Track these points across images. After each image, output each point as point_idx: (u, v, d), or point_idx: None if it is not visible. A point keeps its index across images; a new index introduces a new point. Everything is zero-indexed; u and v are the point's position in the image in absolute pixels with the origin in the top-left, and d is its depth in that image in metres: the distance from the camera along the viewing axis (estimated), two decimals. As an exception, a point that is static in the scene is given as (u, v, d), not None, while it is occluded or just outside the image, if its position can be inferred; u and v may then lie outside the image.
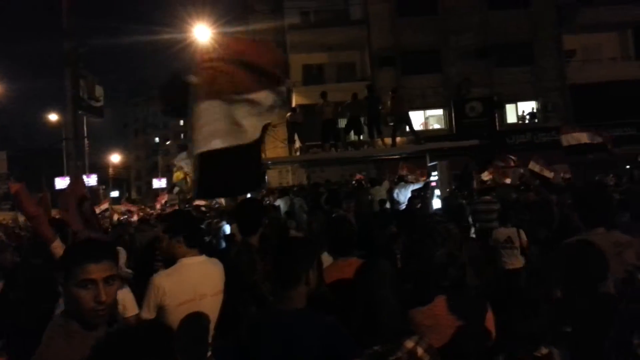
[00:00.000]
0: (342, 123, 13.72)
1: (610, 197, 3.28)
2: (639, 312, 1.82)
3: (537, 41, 21.36)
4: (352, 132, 13.49)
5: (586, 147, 10.86)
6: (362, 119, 13.22)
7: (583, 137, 10.80)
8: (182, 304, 2.73)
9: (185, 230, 2.88)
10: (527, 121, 21.68)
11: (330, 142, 13.01)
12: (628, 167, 13.90)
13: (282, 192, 11.31)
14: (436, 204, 9.62)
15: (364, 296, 2.16)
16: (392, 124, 13.31)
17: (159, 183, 44.80)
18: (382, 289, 2.13)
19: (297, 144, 14.71)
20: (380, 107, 13.01)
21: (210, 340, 2.79)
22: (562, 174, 11.80)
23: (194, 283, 2.80)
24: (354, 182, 12.60)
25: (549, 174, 9.75)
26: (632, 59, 22.09)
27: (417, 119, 20.73)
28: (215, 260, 3.03)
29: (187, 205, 13.84)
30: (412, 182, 10.71)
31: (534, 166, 10.61)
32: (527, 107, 21.87)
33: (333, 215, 5.60)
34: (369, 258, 2.61)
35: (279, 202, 10.15)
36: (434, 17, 21.41)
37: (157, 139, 65.59)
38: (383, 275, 2.17)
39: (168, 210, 13.43)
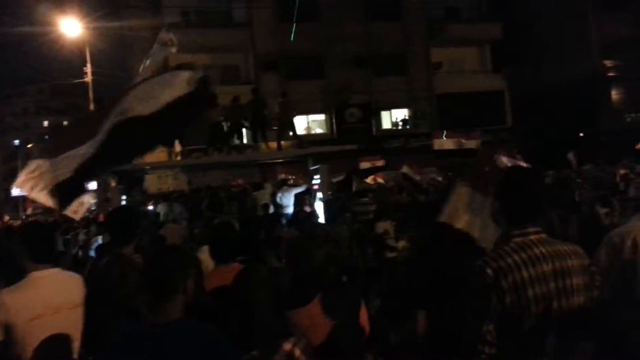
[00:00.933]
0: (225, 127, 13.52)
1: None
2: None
3: (409, 53, 22.99)
4: (235, 136, 13.35)
5: (454, 152, 11.91)
6: (244, 123, 13.14)
7: (453, 143, 11.83)
8: (34, 319, 2.61)
9: (33, 243, 2.74)
10: (400, 127, 23.27)
11: (217, 146, 12.76)
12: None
13: (162, 198, 10.86)
14: (318, 206, 9.89)
15: (240, 302, 2.15)
16: (277, 128, 13.44)
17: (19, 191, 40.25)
18: (259, 294, 2.15)
19: (178, 148, 14.20)
20: (265, 112, 13.04)
21: (75, 355, 2.63)
22: (432, 176, 12.81)
23: (46, 297, 2.68)
24: (236, 186, 12.49)
25: (418, 177, 10.55)
26: (489, 72, 24.71)
27: (301, 123, 21.16)
28: (70, 273, 2.94)
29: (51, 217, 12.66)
30: (295, 186, 10.89)
31: (407, 170, 11.41)
32: (401, 114, 23.47)
33: (215, 221, 5.50)
34: (247, 264, 2.61)
35: (159, 209, 9.73)
36: (315, 24, 22.02)
37: (16, 142, 59.08)
38: (260, 281, 2.18)
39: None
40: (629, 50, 24.29)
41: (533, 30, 26.36)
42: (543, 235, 2.04)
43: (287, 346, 2.02)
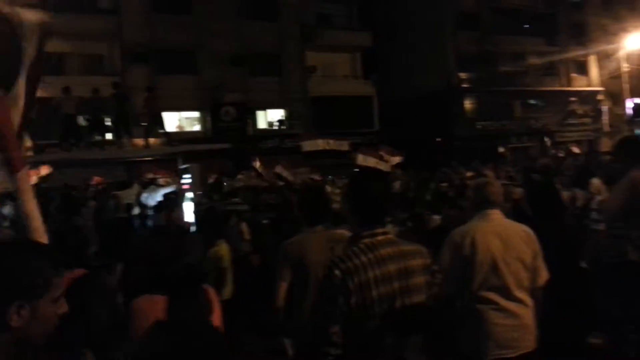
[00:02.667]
0: (83, 121, 12.44)
1: (328, 198, 3.70)
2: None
3: (284, 54, 23.25)
4: (95, 132, 12.35)
5: (324, 153, 12.22)
6: (106, 118, 12.23)
7: (320, 144, 12.14)
8: None
9: None
10: (275, 127, 23.45)
11: (70, 141, 11.65)
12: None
13: (8, 198, 9.62)
14: (189, 207, 9.52)
15: (76, 310, 1.96)
16: (144, 124, 12.70)
17: None
18: (95, 302, 1.99)
19: (28, 143, 12.74)
20: (128, 106, 12.24)
21: None
22: (310, 176, 13.03)
23: None
24: (94, 185, 11.53)
25: (291, 177, 10.65)
26: (359, 78, 25.95)
27: (172, 120, 20.28)
28: None
29: None
30: (163, 186, 10.36)
31: (280, 170, 11.46)
32: (276, 114, 23.65)
33: (62, 225, 5.00)
34: (87, 272, 2.39)
35: (5, 210, 8.63)
36: (189, 18, 21.26)
37: None
38: (97, 288, 2.02)
39: None
40: (479, 64, 27.27)
41: (399, 41, 28.31)
42: (390, 236, 2.11)
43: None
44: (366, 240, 2.05)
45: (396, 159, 10.71)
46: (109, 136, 13.35)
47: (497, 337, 2.85)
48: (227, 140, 15.04)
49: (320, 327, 1.98)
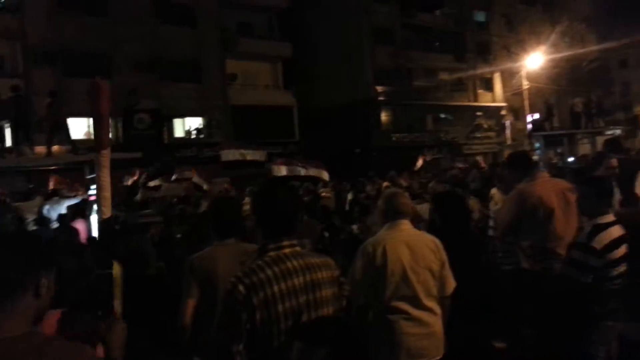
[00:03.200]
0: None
1: (240, 210, 3.62)
2: None
3: (203, 61, 22.75)
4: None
5: (242, 163, 12.10)
6: (5, 124, 11.24)
7: (238, 154, 12.00)
8: None
9: None
10: (193, 136, 22.80)
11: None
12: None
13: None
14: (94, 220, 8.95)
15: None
16: (47, 131, 11.78)
17: None
18: None
19: None
20: (29, 111, 11.32)
21: None
22: (224, 186, 12.79)
23: None
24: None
25: (206, 186, 10.44)
26: (280, 88, 26.01)
27: (80, 126, 19.08)
28: None
29: None
30: (68, 197, 9.68)
31: (197, 179, 11.18)
32: (194, 122, 23.02)
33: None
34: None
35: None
36: (101, 19, 20.20)
37: None
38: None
39: None
40: (394, 79, 28.39)
41: (319, 53, 28.82)
42: (297, 249, 2.05)
43: None
44: (272, 254, 1.98)
45: (324, 175, 10.82)
46: (8, 143, 12.27)
47: (408, 346, 2.91)
48: (141, 149, 14.31)
49: (222, 346, 1.88)
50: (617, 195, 4.28)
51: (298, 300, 1.94)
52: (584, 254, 3.04)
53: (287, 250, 2.01)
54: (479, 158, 11.28)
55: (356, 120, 27.30)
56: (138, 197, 10.13)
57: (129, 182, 10.59)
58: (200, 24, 22.85)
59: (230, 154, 11.37)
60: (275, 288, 1.91)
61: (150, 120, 20.77)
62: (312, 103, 26.75)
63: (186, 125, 22.92)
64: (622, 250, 2.91)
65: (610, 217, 3.12)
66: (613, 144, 6.46)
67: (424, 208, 5.61)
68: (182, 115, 22.41)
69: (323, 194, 10.21)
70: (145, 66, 20.77)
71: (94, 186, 9.82)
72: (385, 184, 9.90)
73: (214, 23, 23.23)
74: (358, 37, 28.79)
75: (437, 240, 3.15)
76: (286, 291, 1.92)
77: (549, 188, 3.86)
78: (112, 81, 20.13)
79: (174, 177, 12.45)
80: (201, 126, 23.01)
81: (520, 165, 4.18)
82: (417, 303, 2.96)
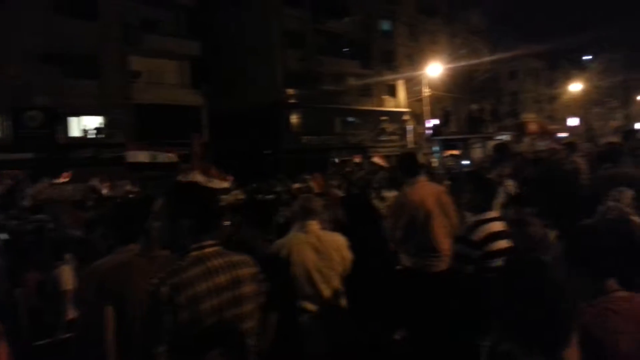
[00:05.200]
0: None
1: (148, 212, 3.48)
2: None
3: (103, 56, 21.44)
4: None
5: (148, 165, 11.59)
6: None
7: (147, 156, 11.49)
8: None
9: None
10: (93, 136, 21.34)
11: None
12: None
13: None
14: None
15: None
16: None
17: None
18: None
19: None
20: None
21: None
22: (127, 188, 12.14)
23: None
24: None
25: (106, 191, 9.90)
26: (188, 87, 25.22)
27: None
28: None
29: None
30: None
31: (96, 182, 10.52)
32: (92, 121, 21.56)
33: None
34: None
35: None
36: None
37: None
38: None
39: None
40: (304, 82, 28.79)
41: (230, 53, 28.42)
42: (218, 248, 2.08)
43: None
44: (194, 254, 2.00)
45: (225, 184, 10.62)
46: None
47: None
48: (32, 149, 13.22)
49: (146, 348, 1.87)
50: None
51: (221, 298, 1.97)
52: (464, 246, 3.29)
53: (208, 250, 2.03)
54: (377, 159, 11.71)
55: (267, 122, 27.26)
56: (25, 202, 9.32)
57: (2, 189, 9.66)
58: (101, 17, 21.51)
59: (138, 155, 10.85)
60: (201, 286, 1.93)
61: (43, 119, 19.15)
62: (223, 104, 26.28)
63: (83, 124, 21.40)
64: (502, 243, 3.17)
65: (492, 214, 3.42)
66: (502, 150, 6.98)
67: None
68: (80, 113, 20.89)
69: (237, 196, 10.05)
70: (38, 59, 19.11)
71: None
72: (296, 185, 9.99)
73: (116, 17, 21.98)
74: (269, 40, 28.80)
75: (342, 239, 3.29)
76: (213, 288, 1.95)
77: (426, 192, 4.16)
78: (-2, 73, 18.38)
79: (64, 180, 11.59)
80: (101, 125, 21.60)
81: (404, 166, 4.44)
82: (322, 301, 3.07)
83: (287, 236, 3.28)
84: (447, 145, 20.60)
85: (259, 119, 26.83)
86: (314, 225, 3.26)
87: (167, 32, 24.25)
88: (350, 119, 32.75)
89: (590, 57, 49.29)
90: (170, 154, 12.07)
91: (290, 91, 28.96)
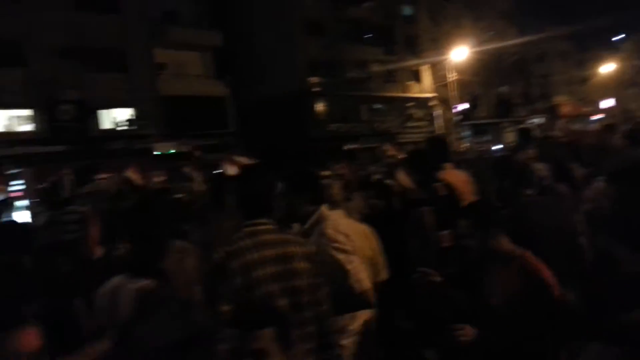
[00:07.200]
0: None
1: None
2: None
3: (130, 50, 21.77)
4: None
5: (175, 155, 11.82)
6: None
7: (172, 147, 11.73)
8: None
9: None
10: (124, 128, 21.81)
11: None
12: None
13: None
14: (23, 217, 8.47)
15: None
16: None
17: None
18: None
19: None
20: None
21: None
22: (159, 179, 12.40)
23: None
24: None
25: (140, 181, 10.12)
26: (212, 78, 25.47)
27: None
28: None
29: None
30: (-11, 194, 9.08)
31: (131, 173, 10.79)
32: (123, 114, 22.00)
33: None
34: None
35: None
36: (14, 5, 18.72)
37: None
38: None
39: None
40: (327, 70, 28.71)
41: (252, 43, 28.51)
42: (271, 227, 2.31)
43: None
44: (247, 229, 2.26)
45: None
46: None
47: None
48: (66, 142, 13.61)
49: (211, 310, 2.11)
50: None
51: (272, 269, 2.18)
52: None
53: (261, 227, 2.27)
54: (390, 149, 11.47)
55: (292, 110, 27.33)
56: (65, 193, 9.63)
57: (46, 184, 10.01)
58: (124, 11, 21.81)
59: (165, 147, 11.10)
60: (251, 256, 2.16)
61: (75, 112, 19.65)
62: (247, 94, 26.46)
63: (113, 117, 21.88)
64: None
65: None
66: (526, 135, 7.35)
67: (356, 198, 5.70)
68: (109, 106, 21.34)
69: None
70: (65, 54, 19.54)
71: (17, 181, 9.33)
72: (324, 173, 10.03)
73: (139, 11, 22.24)
74: (291, 29, 28.75)
75: (368, 229, 3.31)
76: (260, 260, 2.17)
77: (454, 178, 4.12)
78: (28, 70, 18.90)
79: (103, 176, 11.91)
80: (131, 117, 22.04)
81: (436, 149, 4.38)
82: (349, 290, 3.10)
83: (310, 223, 3.26)
84: (478, 130, 20.26)
85: (283, 108, 26.92)
86: (338, 214, 3.27)
87: (189, 24, 24.44)
88: (376, 106, 32.55)
89: (621, 36, 47.67)
90: (192, 145, 12.26)
91: (314, 79, 28.92)
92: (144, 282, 2.25)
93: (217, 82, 25.21)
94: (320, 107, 29.43)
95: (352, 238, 3.04)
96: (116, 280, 2.34)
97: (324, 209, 2.97)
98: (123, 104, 21.56)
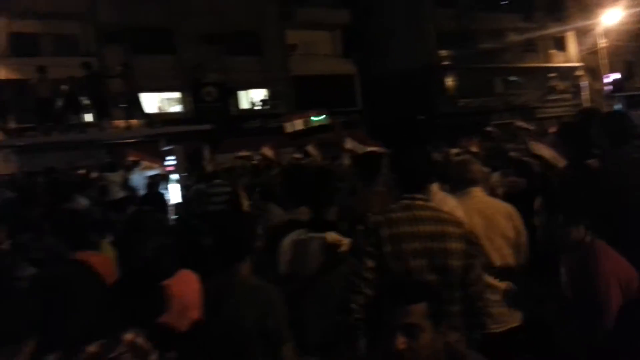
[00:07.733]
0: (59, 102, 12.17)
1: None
2: None
3: (263, 33, 22.88)
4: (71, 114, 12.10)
5: (304, 131, 12.21)
6: (82, 100, 11.96)
7: (302, 124, 12.15)
8: None
9: None
10: (259, 107, 23.21)
11: (47, 124, 11.43)
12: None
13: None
14: (176, 189, 9.47)
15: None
16: (123, 105, 12.48)
17: None
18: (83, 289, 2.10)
19: (13, 125, 12.54)
20: (104, 87, 11.99)
21: None
22: (294, 155, 12.97)
23: None
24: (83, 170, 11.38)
25: (275, 158, 10.65)
26: (340, 57, 25.75)
27: (151, 101, 19.96)
28: None
29: None
30: (147, 168, 10.30)
31: (267, 150, 11.42)
32: (258, 94, 23.38)
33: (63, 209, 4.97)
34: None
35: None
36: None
37: None
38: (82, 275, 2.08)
39: None
40: (458, 42, 27.27)
41: (379, 18, 28.11)
42: (429, 203, 2.33)
43: (130, 336, 1.89)
44: (404, 202, 2.28)
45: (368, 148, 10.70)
46: (88, 118, 13.12)
47: (491, 312, 2.90)
48: (209, 121, 14.81)
49: (354, 263, 2.21)
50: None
51: (425, 245, 2.18)
52: None
53: (418, 202, 2.28)
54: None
55: (420, 86, 26.58)
56: (209, 167, 10.52)
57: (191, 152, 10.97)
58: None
59: (295, 125, 11.54)
60: (403, 229, 2.20)
61: (217, 93, 21.34)
62: (374, 71, 26.30)
63: (250, 97, 23.35)
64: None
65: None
66: None
67: (494, 177, 5.40)
68: (246, 87, 22.80)
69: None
70: (207, 40, 21.17)
71: (170, 157, 10.40)
72: (454, 150, 9.66)
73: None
74: (419, 1, 27.76)
75: (512, 208, 3.13)
76: (411, 234, 2.19)
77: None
78: (177, 56, 20.90)
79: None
80: (265, 98, 23.34)
81: (613, 128, 3.20)
82: (492, 270, 2.98)
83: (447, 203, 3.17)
84: (633, 102, 17.87)
85: (412, 83, 26.28)
86: (479, 191, 3.14)
87: (318, 3, 24.82)
88: (512, 78, 30.32)
89: None
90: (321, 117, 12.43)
91: (444, 52, 27.74)
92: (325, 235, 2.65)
93: (344, 60, 25.46)
94: (449, 81, 28.23)
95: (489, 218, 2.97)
96: (294, 234, 2.81)
97: (434, 187, 2.90)
98: (258, 84, 22.86)
